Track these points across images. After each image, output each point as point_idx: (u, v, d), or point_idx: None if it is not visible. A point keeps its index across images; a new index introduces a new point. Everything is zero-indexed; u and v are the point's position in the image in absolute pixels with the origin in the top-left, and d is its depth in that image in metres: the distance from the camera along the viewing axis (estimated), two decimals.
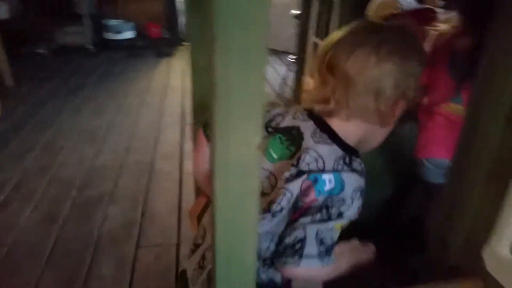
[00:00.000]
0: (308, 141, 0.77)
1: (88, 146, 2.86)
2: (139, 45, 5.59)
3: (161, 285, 1.69)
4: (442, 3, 1.95)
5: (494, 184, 0.63)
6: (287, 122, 0.81)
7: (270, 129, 0.82)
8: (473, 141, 0.65)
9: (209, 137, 0.83)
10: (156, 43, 5.57)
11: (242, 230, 0.53)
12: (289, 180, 0.74)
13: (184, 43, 5.63)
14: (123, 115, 3.43)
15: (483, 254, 0.64)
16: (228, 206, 0.51)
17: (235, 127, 0.46)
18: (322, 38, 1.41)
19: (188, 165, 2.55)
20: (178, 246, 1.89)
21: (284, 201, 0.73)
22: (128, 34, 5.64)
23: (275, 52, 5.35)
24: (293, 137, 0.79)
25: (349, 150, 0.76)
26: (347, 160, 0.74)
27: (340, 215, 0.70)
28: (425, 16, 1.63)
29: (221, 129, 0.46)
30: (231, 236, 0.53)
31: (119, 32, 5.55)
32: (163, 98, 3.85)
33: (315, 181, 0.71)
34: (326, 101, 0.75)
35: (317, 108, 0.77)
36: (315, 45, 1.49)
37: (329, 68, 0.74)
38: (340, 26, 1.22)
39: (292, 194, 0.73)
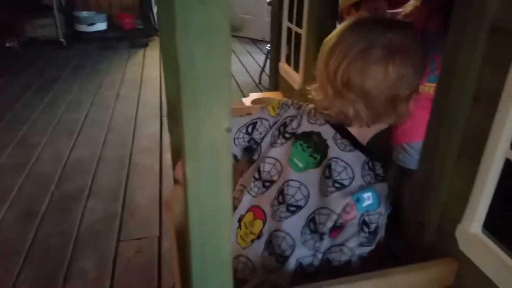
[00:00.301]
0: (333, 148, 0.76)
1: (64, 140, 2.80)
2: (112, 36, 5.46)
3: (144, 279, 1.67)
4: None
5: (464, 163, 0.64)
6: (304, 126, 0.80)
7: (287, 135, 0.81)
8: (442, 121, 0.66)
9: None
10: (130, 34, 5.46)
11: (216, 217, 0.52)
12: (332, 200, 0.73)
13: (159, 32, 5.53)
14: (99, 108, 3.36)
15: (456, 234, 0.65)
16: (201, 191, 0.50)
17: (202, 109, 0.45)
18: (295, 23, 1.40)
19: (168, 158, 2.52)
20: (160, 239, 1.87)
21: (330, 223, 0.73)
22: (101, 26, 5.50)
23: (253, 41, 5.31)
24: (315, 143, 0.78)
25: (370, 154, 0.77)
26: (371, 164, 0.76)
27: (377, 229, 0.73)
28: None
29: (188, 112, 0.44)
30: (205, 222, 0.52)
31: (91, 24, 5.40)
32: (139, 90, 3.78)
33: (358, 200, 0.72)
34: (344, 112, 0.75)
35: (333, 114, 0.76)
36: (289, 30, 1.48)
37: (344, 84, 0.73)
38: (312, 10, 1.21)
39: (336, 215, 0.73)
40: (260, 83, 3.97)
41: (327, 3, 1.15)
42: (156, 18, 5.62)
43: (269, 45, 3.76)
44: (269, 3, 3.58)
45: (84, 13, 5.46)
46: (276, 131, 0.82)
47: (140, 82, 4.00)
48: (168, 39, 1.00)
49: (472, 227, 0.62)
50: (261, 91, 3.78)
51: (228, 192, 0.52)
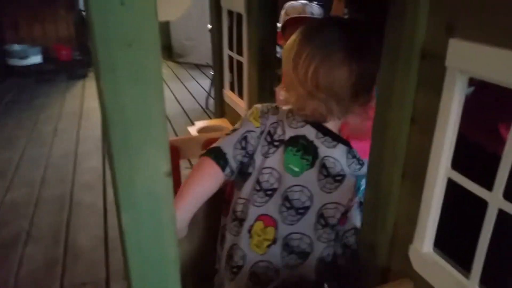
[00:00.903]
0: (321, 147, 0.82)
1: None
2: (49, 69, 5.22)
3: None
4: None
5: (409, 184, 0.65)
6: (289, 132, 0.84)
7: (276, 143, 0.85)
8: (384, 142, 0.66)
9: (221, 165, 0.82)
10: (68, 66, 5.26)
11: (162, 269, 0.48)
12: (337, 195, 0.82)
13: None
14: (35, 145, 3.17)
15: (409, 254, 0.65)
16: (141, 243, 0.46)
17: (136, 155, 0.41)
18: (236, 51, 1.40)
19: (112, 193, 2.40)
20: (107, 281, 1.76)
21: (339, 214, 0.82)
22: (35, 59, 5.25)
23: (198, 66, 5.30)
24: (303, 146, 0.82)
25: (347, 143, 0.83)
26: (351, 153, 0.83)
27: None
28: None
29: (120, 160, 0.41)
30: (149, 277, 0.48)
31: (24, 57, 5.14)
32: (79, 123, 3.62)
33: (358, 189, 0.83)
34: (318, 111, 0.80)
35: (308, 113, 0.82)
36: (231, 58, 1.48)
37: (314, 86, 0.78)
38: (251, 39, 1.22)
39: (344, 206, 0.82)
40: (207, 108, 3.94)
41: (265, 31, 1.16)
42: None
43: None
44: (210, 30, 3.61)
45: (16, 47, 5.20)
46: (265, 141, 0.86)
47: (80, 115, 3.83)
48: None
49: (423, 247, 0.62)
50: (209, 116, 3.75)
51: (173, 239, 0.48)
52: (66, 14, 5.43)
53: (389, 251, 0.71)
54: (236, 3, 1.29)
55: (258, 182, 0.84)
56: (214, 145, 0.85)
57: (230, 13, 1.42)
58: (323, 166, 0.81)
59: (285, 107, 0.87)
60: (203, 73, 5.07)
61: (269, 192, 0.84)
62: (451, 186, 0.57)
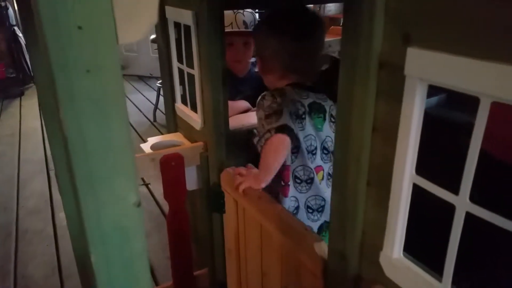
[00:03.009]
0: (325, 103, 1.18)
1: None
2: None
3: None
4: None
5: (375, 191, 0.66)
6: (305, 103, 1.14)
7: (302, 116, 1.13)
8: (347, 152, 0.67)
9: (292, 139, 1.06)
10: (1, 85, 4.95)
11: None
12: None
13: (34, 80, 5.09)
14: None
15: (380, 261, 0.66)
16: (112, 279, 0.43)
17: (102, 187, 0.39)
18: (186, 64, 1.37)
19: (62, 217, 2.28)
20: None
21: None
22: None
23: (141, 78, 5.18)
24: (317, 108, 1.16)
25: (327, 91, 1.20)
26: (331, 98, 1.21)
27: None
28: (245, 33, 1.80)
29: (85, 193, 0.38)
30: None
31: None
32: (19, 145, 3.41)
33: None
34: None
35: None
36: (181, 71, 1.45)
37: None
38: (202, 51, 1.20)
39: None
40: (155, 120, 3.85)
41: (216, 42, 1.14)
42: (30, 65, 5.19)
43: (160, 81, 3.69)
44: (152, 41, 3.52)
45: None
46: (294, 119, 1.10)
47: (18, 136, 3.60)
48: (46, 93, 0.90)
49: (394, 252, 0.63)
50: (157, 129, 3.66)
51: (145, 271, 0.45)
52: None
53: (359, 259, 0.72)
54: (183, 15, 1.27)
55: (306, 149, 1.14)
56: (279, 123, 1.05)
57: (177, 24, 1.40)
58: (331, 115, 1.18)
59: (280, 86, 1.16)
60: (148, 84, 4.95)
61: (314, 151, 1.16)
62: (419, 191, 0.58)
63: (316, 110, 1.15)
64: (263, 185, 1.06)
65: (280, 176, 1.15)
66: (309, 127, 1.14)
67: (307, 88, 1.17)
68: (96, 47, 0.35)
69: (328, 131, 1.18)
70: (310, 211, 1.21)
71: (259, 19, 1.28)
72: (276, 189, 1.18)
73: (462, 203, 0.51)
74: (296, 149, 1.14)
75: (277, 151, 1.05)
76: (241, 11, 1.72)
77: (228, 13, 1.71)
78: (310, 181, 1.18)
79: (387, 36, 0.57)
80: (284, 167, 1.15)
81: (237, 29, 1.69)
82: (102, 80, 0.36)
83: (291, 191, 1.18)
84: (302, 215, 1.20)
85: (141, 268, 0.45)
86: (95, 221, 0.39)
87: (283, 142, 1.04)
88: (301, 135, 1.13)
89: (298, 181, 1.18)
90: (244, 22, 1.74)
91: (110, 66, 0.36)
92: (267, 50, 1.17)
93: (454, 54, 0.48)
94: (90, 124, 0.36)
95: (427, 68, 0.51)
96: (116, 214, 0.40)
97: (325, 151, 1.18)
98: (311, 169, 1.18)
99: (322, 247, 0.82)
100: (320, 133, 1.16)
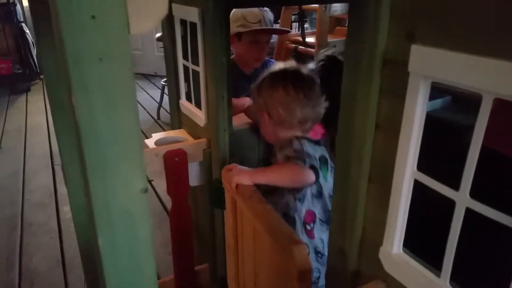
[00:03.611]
0: (325, 154, 1.20)
1: None
2: None
3: None
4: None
5: (376, 188, 0.66)
6: (316, 155, 1.14)
7: (317, 163, 1.11)
8: (349, 148, 0.68)
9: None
10: (8, 80, 4.98)
11: None
12: None
13: (41, 76, 5.13)
14: None
15: (380, 256, 0.67)
16: (118, 262, 0.44)
17: (110, 172, 0.40)
18: (191, 61, 1.38)
19: (66, 211, 2.30)
20: None
21: None
22: None
23: (146, 76, 5.20)
24: (323, 161, 1.18)
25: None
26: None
27: None
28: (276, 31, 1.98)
29: (95, 178, 0.39)
30: None
31: None
32: (25, 140, 3.43)
33: None
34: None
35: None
36: (186, 67, 1.46)
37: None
38: (207, 48, 1.21)
39: None
40: (159, 118, 3.87)
41: (221, 39, 1.15)
42: (36, 61, 5.23)
43: (164, 79, 3.70)
44: (158, 39, 3.54)
45: None
46: None
47: (24, 131, 3.63)
48: (55, 86, 0.92)
49: (393, 248, 0.64)
50: (161, 127, 3.68)
51: (150, 258, 0.47)
52: (2, 26, 5.14)
53: (359, 255, 0.73)
54: (189, 12, 1.28)
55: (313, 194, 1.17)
56: (311, 163, 1.07)
57: (183, 22, 1.41)
58: (331, 166, 1.19)
59: (296, 139, 1.15)
60: (152, 83, 4.97)
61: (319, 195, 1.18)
62: (419, 187, 0.59)
63: (323, 162, 1.18)
64: (251, 182, 1.07)
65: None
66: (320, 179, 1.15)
67: (314, 142, 1.19)
68: (108, 36, 0.36)
69: (331, 180, 1.17)
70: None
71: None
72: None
73: (463, 199, 0.52)
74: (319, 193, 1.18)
75: (293, 177, 1.07)
76: (266, 8, 1.72)
77: (255, 11, 1.72)
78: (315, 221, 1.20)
79: (392, 33, 0.58)
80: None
81: (265, 27, 1.69)
82: (114, 69, 0.37)
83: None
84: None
85: (146, 254, 0.46)
86: (104, 205, 0.41)
87: (309, 177, 1.06)
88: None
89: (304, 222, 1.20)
90: (270, 20, 1.75)
91: (122, 55, 0.37)
92: (277, 102, 1.18)
93: (457, 51, 0.49)
94: (101, 111, 0.37)
95: (431, 65, 0.52)
96: (123, 200, 0.41)
97: (331, 199, 1.17)
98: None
99: (301, 251, 0.79)
100: (327, 183, 1.18)
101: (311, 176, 1.06)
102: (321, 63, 1.42)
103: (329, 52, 1.49)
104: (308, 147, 1.15)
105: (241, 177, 1.08)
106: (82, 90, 0.36)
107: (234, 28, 1.68)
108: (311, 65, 1.43)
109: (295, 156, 1.08)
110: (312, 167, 1.06)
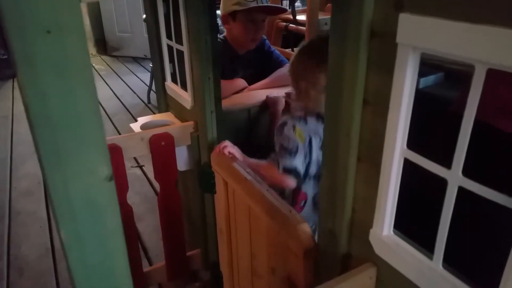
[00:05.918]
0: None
1: None
2: None
3: None
4: None
5: (365, 167, 0.63)
6: (320, 131, 1.09)
7: (313, 144, 1.10)
8: (337, 126, 0.65)
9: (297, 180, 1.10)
10: None
11: (112, 283, 0.43)
12: None
13: None
14: None
15: (370, 239, 0.64)
16: (86, 256, 0.41)
17: (70, 160, 0.36)
18: (175, 40, 1.33)
19: None
20: None
21: None
22: None
23: (135, 59, 5.10)
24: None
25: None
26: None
27: None
28: (274, 10, 1.85)
29: (51, 167, 0.35)
30: None
31: None
32: (11, 127, 3.37)
33: None
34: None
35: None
36: (170, 48, 1.41)
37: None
38: (191, 26, 1.16)
39: None
40: (149, 102, 3.80)
41: (205, 17, 1.10)
42: None
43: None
44: (145, 20, 3.45)
45: None
46: (308, 148, 1.09)
47: (11, 118, 3.56)
48: None
49: (384, 230, 0.62)
50: (151, 110, 3.62)
51: (121, 248, 0.43)
52: None
53: (349, 237, 0.70)
54: None
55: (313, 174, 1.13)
56: (290, 165, 1.06)
57: None
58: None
59: (299, 113, 1.12)
60: (142, 66, 4.88)
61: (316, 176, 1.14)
62: (410, 166, 0.56)
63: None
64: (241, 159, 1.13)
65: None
66: (317, 154, 1.12)
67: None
68: (56, 5, 0.32)
69: None
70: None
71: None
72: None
73: (455, 177, 0.49)
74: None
75: (273, 182, 1.08)
76: None
77: None
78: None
79: (379, 2, 0.54)
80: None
81: (261, 4, 1.61)
82: (64, 43, 0.33)
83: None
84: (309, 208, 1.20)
85: (117, 245, 0.43)
86: (63, 196, 0.37)
87: (284, 183, 1.09)
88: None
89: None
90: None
91: (73, 26, 0.33)
92: (309, 76, 1.11)
93: (447, 18, 0.45)
94: (51, 91, 0.33)
95: (420, 35, 0.49)
96: (86, 189, 0.38)
97: None
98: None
99: (305, 229, 0.80)
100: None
101: (289, 183, 1.09)
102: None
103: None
104: (314, 125, 1.11)
105: (234, 150, 1.14)
106: (28, 67, 0.32)
107: (230, 7, 1.61)
108: None
109: (278, 155, 1.10)
110: (290, 171, 1.07)
